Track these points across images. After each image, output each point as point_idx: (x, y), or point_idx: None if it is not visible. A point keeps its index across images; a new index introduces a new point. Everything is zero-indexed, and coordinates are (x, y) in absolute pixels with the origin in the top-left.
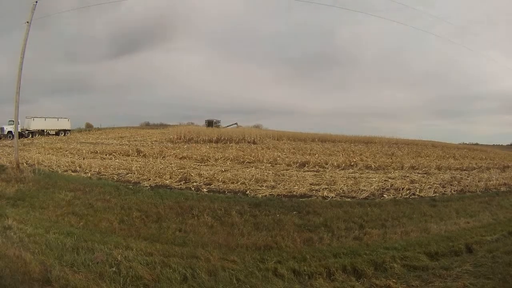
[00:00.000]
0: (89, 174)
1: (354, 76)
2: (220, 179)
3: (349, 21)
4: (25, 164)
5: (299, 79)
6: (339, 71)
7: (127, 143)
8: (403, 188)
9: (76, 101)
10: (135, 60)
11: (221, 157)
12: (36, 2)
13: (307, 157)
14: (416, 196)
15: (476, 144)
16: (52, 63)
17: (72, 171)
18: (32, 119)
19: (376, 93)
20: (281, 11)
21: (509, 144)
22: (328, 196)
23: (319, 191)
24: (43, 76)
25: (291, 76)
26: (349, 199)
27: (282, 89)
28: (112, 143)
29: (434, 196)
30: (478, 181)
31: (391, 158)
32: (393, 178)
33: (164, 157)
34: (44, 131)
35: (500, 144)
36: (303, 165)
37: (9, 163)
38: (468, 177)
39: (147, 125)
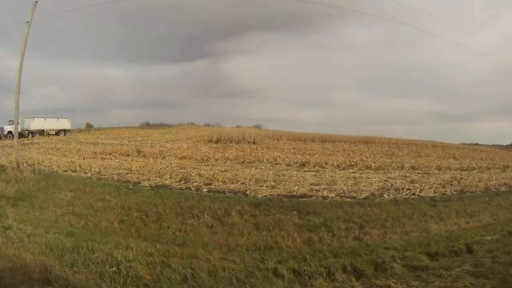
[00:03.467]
0: (89, 174)
1: None
2: (220, 179)
3: None
4: (25, 164)
5: None
6: None
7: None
8: (403, 188)
9: None
10: None
11: (221, 157)
12: (36, 2)
13: (307, 157)
14: (416, 196)
15: (476, 144)
16: None
17: (72, 171)
18: (32, 119)
19: None
20: None
21: (509, 144)
22: (328, 196)
23: (319, 191)
24: None
25: None
26: (349, 199)
27: None
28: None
29: (434, 196)
30: (478, 181)
31: (391, 158)
32: (393, 178)
33: (164, 157)
34: (44, 131)
35: (500, 144)
36: (303, 165)
37: (9, 163)
38: (468, 177)
39: (147, 125)
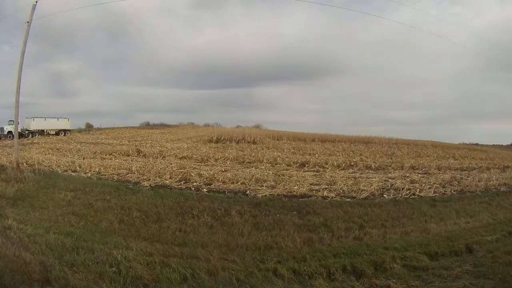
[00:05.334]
0: (89, 174)
1: None
2: (220, 179)
3: None
4: (25, 164)
5: None
6: None
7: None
8: (403, 188)
9: None
10: None
11: (221, 157)
12: (36, 2)
13: (307, 157)
14: (416, 196)
15: (476, 144)
16: None
17: (72, 171)
18: (32, 119)
19: None
20: None
21: (509, 144)
22: (328, 196)
23: (319, 191)
24: None
25: None
26: (349, 199)
27: None
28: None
29: (434, 196)
30: (478, 181)
31: (391, 158)
32: (393, 178)
33: (164, 157)
34: (44, 131)
35: (500, 144)
36: (303, 165)
37: (9, 163)
38: (468, 177)
39: (147, 125)
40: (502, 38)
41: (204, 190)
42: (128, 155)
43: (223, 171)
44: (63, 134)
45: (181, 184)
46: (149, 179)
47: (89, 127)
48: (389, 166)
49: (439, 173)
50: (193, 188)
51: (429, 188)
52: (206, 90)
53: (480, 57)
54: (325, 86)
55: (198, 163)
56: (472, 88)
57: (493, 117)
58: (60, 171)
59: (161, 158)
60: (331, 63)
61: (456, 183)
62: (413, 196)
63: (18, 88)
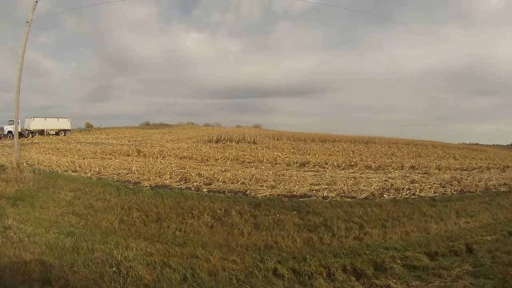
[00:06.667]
0: (89, 174)
1: None
2: (220, 179)
3: None
4: (25, 164)
5: None
6: None
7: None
8: (403, 188)
9: None
10: None
11: (221, 157)
12: (36, 2)
13: (307, 157)
14: (416, 196)
15: (476, 144)
16: None
17: (72, 171)
18: (32, 119)
19: None
20: None
21: (509, 144)
22: (328, 196)
23: (319, 191)
24: None
25: None
26: (349, 199)
27: None
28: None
29: (434, 196)
30: (478, 181)
31: (391, 158)
32: (393, 178)
33: (164, 157)
34: (44, 131)
35: (500, 144)
36: (303, 165)
37: (9, 163)
38: (468, 177)
39: (147, 125)
40: None
41: (204, 190)
42: (128, 155)
43: (223, 171)
44: (63, 134)
45: (181, 184)
46: (149, 179)
47: (89, 127)
48: (389, 166)
49: (439, 173)
50: (193, 188)
51: (429, 188)
52: (228, 100)
53: None
54: (321, 98)
55: (198, 163)
56: None
57: None
58: (60, 171)
59: (161, 158)
60: (324, 84)
61: (456, 183)
62: (413, 196)
63: (18, 88)
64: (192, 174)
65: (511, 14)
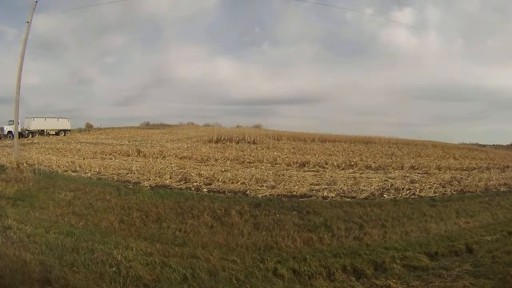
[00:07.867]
0: (89, 174)
1: None
2: (220, 179)
3: None
4: (25, 164)
5: None
6: None
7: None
8: (403, 188)
9: None
10: None
11: (221, 157)
12: (36, 2)
13: (307, 157)
14: (416, 196)
15: (476, 144)
16: None
17: (72, 171)
18: (32, 119)
19: None
20: None
21: (509, 144)
22: (328, 196)
23: (319, 191)
24: None
25: None
26: (349, 199)
27: None
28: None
29: (434, 196)
30: (478, 181)
31: (391, 158)
32: (393, 178)
33: (164, 157)
34: (44, 131)
35: (500, 144)
36: (303, 165)
37: (9, 163)
38: (468, 177)
39: (147, 125)
40: None
41: (204, 190)
42: (128, 155)
43: (223, 171)
44: (63, 134)
45: (181, 184)
46: (149, 179)
47: (89, 127)
48: (389, 166)
49: (439, 173)
50: (193, 188)
51: (429, 188)
52: (230, 106)
53: None
54: (317, 106)
55: (198, 163)
56: None
57: None
58: (60, 171)
59: (161, 158)
60: (321, 95)
61: (456, 183)
62: (413, 196)
63: (18, 88)
64: (192, 174)
65: None
